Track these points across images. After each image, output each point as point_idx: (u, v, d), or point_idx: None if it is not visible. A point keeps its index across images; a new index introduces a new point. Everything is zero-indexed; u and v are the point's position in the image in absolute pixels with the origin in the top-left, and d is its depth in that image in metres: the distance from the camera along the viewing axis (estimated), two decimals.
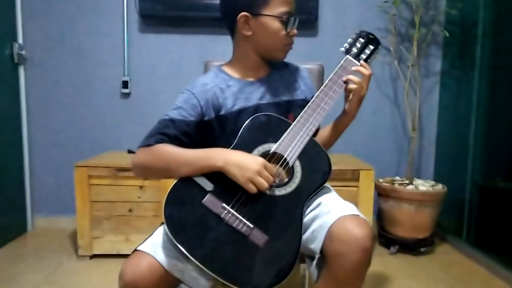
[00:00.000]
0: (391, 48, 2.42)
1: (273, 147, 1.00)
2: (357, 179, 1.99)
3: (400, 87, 2.50)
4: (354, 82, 1.05)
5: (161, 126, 1.03)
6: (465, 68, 2.34)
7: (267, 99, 1.11)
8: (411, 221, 2.18)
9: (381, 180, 2.33)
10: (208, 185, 0.95)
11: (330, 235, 0.90)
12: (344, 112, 1.11)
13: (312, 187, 1.00)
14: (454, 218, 2.40)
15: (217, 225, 0.92)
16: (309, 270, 1.02)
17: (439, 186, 2.28)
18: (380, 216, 2.35)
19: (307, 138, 1.01)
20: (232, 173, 0.93)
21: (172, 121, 1.03)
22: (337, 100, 1.07)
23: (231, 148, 0.99)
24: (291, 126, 1.02)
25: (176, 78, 2.47)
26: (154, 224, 1.99)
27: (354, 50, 1.10)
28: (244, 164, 0.93)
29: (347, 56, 1.10)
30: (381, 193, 2.26)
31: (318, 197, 1.03)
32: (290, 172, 1.00)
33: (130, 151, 2.35)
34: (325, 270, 0.93)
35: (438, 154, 2.58)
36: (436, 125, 2.58)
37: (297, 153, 1.00)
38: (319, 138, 1.13)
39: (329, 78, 1.07)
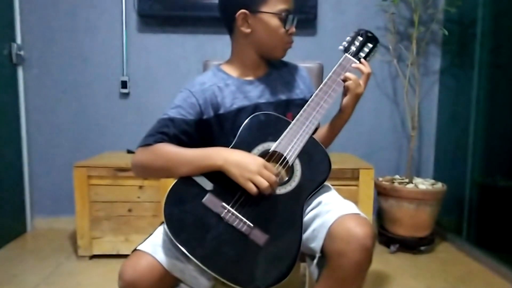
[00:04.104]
0: (390, 47, 2.42)
1: (272, 146, 1.00)
2: (357, 178, 1.99)
3: (400, 86, 2.50)
4: (350, 79, 1.05)
5: (160, 126, 1.03)
6: (464, 66, 2.34)
7: (266, 98, 1.11)
8: (411, 219, 2.17)
9: (380, 179, 2.33)
10: (208, 185, 0.95)
11: (330, 234, 0.90)
12: (340, 110, 1.10)
13: (312, 185, 1.00)
14: (454, 217, 2.40)
15: (217, 224, 0.92)
16: (309, 269, 1.01)
17: (439, 185, 2.28)
18: (380, 215, 2.35)
19: (307, 137, 1.01)
20: (232, 172, 0.93)
21: (171, 120, 1.03)
22: (337, 99, 1.07)
23: (231, 147, 0.99)
24: (291, 125, 1.02)
25: (175, 77, 2.47)
26: (154, 224, 1.99)
27: (353, 48, 1.10)
28: (244, 163, 0.93)
29: (346, 54, 1.10)
30: (381, 192, 2.26)
31: (318, 196, 1.03)
32: (290, 171, 0.99)
33: (129, 151, 2.35)
34: (326, 269, 0.93)
35: (438, 153, 2.58)
36: (436, 124, 2.58)
37: (296, 152, 1.00)
38: (317, 137, 1.12)
39: (328, 77, 1.07)
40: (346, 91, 1.07)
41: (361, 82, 1.06)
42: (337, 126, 1.14)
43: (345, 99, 1.08)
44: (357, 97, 1.07)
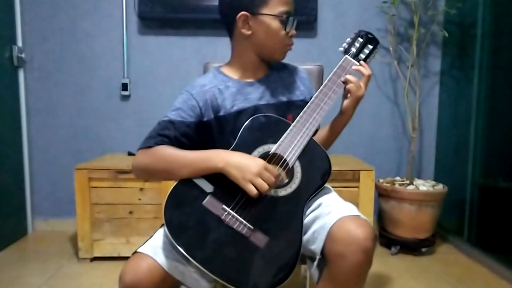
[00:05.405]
0: (391, 48, 2.42)
1: (273, 148, 1.00)
2: (358, 180, 1.99)
3: (400, 87, 2.50)
4: (351, 82, 1.05)
5: (160, 128, 1.03)
6: (465, 68, 2.34)
7: (266, 99, 1.11)
8: (412, 221, 2.17)
9: (381, 180, 2.33)
10: (208, 187, 0.95)
11: (331, 236, 0.90)
12: (341, 112, 1.10)
13: (312, 187, 1.00)
14: (455, 218, 2.39)
15: (217, 226, 0.92)
16: (310, 271, 1.01)
17: (440, 186, 2.27)
18: (381, 216, 2.35)
19: (307, 139, 1.01)
20: (233, 174, 0.93)
21: (171, 122, 1.03)
22: (337, 100, 1.07)
23: (231, 149, 0.99)
24: (291, 127, 1.02)
25: (175, 80, 2.47)
26: (155, 226, 1.99)
27: (353, 49, 1.10)
28: (244, 165, 0.93)
29: (346, 56, 1.10)
30: (381, 194, 2.26)
31: (318, 198, 1.03)
32: (290, 173, 0.99)
33: (130, 153, 2.35)
34: (326, 271, 0.93)
35: (439, 154, 2.58)
36: (436, 125, 2.58)
37: (297, 154, 1.00)
38: (317, 139, 1.12)
39: (328, 78, 1.07)
40: (346, 93, 1.07)
41: (362, 84, 1.06)
42: (338, 128, 1.14)
43: (346, 102, 1.08)
44: (358, 100, 1.07)
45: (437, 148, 2.59)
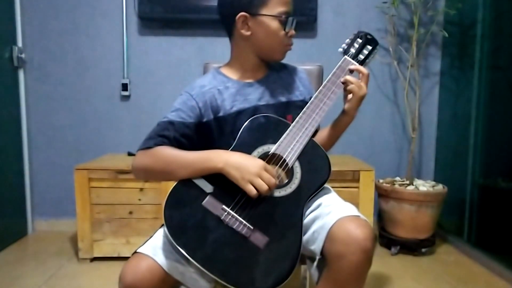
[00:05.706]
0: (390, 49, 2.42)
1: (272, 148, 1.00)
2: (358, 180, 1.99)
3: (400, 88, 2.50)
4: (352, 83, 1.05)
5: (160, 129, 1.03)
6: (465, 68, 2.34)
7: (266, 100, 1.11)
8: (412, 221, 2.17)
9: (381, 180, 2.33)
10: (208, 187, 0.95)
11: (330, 236, 0.90)
12: (344, 112, 1.10)
13: (312, 188, 1.00)
14: (455, 219, 2.39)
15: (217, 227, 0.92)
16: (309, 271, 1.01)
17: (440, 187, 2.27)
18: (381, 216, 2.35)
19: (307, 139, 1.01)
20: (232, 174, 0.93)
21: (171, 123, 1.03)
22: (337, 101, 1.07)
23: (231, 150, 0.99)
24: (290, 127, 1.02)
25: (175, 80, 2.47)
26: (155, 226, 1.99)
27: (352, 50, 1.10)
28: (244, 166, 0.93)
29: (345, 56, 1.10)
30: (381, 194, 2.26)
31: (318, 198, 1.03)
32: (290, 173, 1.00)
33: (130, 154, 2.35)
34: (326, 271, 0.93)
35: (438, 154, 2.58)
36: (436, 125, 2.58)
37: (296, 154, 1.00)
38: (318, 139, 1.12)
39: (327, 79, 1.07)
40: (347, 94, 1.07)
41: (362, 84, 1.06)
42: (340, 128, 1.13)
43: (349, 103, 1.07)
44: (361, 99, 1.07)
45: (437, 148, 2.59)
